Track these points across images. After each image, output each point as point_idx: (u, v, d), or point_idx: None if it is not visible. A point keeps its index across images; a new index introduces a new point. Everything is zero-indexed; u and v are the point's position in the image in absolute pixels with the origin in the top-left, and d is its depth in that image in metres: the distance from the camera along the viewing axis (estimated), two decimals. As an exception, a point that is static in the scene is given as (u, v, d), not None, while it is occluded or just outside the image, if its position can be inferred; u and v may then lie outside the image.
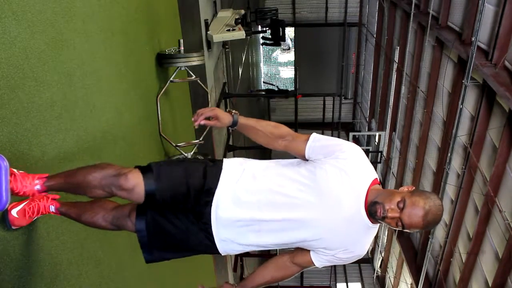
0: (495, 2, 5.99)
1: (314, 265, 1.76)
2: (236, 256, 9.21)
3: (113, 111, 2.68)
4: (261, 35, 11.45)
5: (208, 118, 1.72)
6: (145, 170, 1.64)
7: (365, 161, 1.66)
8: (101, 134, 2.46)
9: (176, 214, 1.74)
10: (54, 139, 1.92)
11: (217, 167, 1.71)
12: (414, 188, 1.60)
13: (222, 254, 1.78)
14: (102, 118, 2.48)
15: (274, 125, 1.78)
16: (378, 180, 1.67)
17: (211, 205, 1.67)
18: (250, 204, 1.63)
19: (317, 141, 1.69)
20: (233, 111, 1.76)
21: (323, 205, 1.59)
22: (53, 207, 1.81)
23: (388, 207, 1.53)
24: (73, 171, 1.68)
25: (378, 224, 1.66)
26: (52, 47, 1.93)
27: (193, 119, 1.72)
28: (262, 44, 11.90)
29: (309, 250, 1.75)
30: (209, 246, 1.73)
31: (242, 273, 9.64)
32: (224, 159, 1.77)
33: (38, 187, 1.61)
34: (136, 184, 1.60)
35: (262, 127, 1.75)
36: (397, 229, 1.59)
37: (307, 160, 1.71)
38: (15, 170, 1.57)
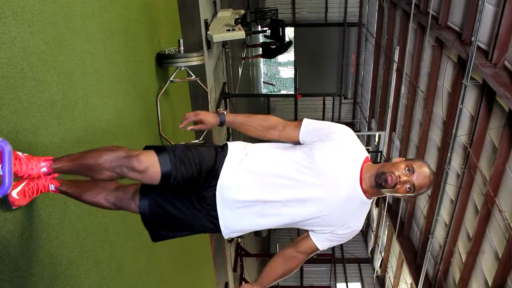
0: (495, 2, 5.99)
1: (318, 249, 1.84)
2: (236, 256, 9.21)
3: (113, 111, 2.68)
4: (262, 39, 11.30)
5: (195, 123, 1.82)
6: (159, 151, 1.66)
7: (356, 141, 1.78)
8: (101, 134, 2.46)
9: (179, 197, 1.78)
10: (54, 139, 1.92)
11: (224, 152, 1.78)
12: (404, 158, 1.75)
13: (225, 237, 1.84)
14: (102, 118, 2.48)
15: (262, 117, 1.86)
16: (369, 158, 1.79)
17: (215, 188, 1.72)
18: (253, 186, 1.70)
19: (310, 125, 1.78)
20: (221, 110, 1.85)
21: (323, 185, 1.69)
22: (52, 186, 1.81)
23: (399, 173, 1.66)
24: (81, 154, 1.68)
25: (372, 199, 1.78)
26: (52, 47, 1.93)
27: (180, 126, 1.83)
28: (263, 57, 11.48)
29: (309, 236, 1.83)
30: (212, 228, 1.79)
31: (242, 273, 9.64)
32: (229, 144, 1.82)
33: (44, 169, 1.61)
34: (149, 165, 1.60)
35: (251, 122, 1.84)
36: (404, 195, 1.70)
37: (301, 144, 1.79)
38: (19, 153, 1.58)
